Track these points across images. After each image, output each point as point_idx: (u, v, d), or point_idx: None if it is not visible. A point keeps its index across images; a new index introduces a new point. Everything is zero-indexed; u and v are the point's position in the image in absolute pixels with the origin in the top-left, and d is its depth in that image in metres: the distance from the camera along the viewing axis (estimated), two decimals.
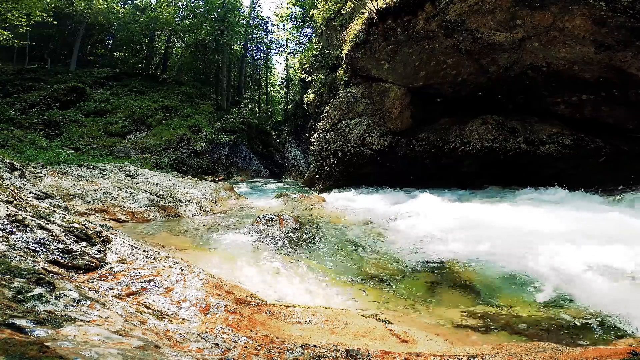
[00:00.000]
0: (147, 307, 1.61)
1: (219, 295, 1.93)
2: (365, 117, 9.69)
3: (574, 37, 5.79)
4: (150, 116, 19.72)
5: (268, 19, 37.76)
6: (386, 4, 7.78)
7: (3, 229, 1.67)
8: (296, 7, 28.30)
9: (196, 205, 6.29)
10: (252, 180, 20.24)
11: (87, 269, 1.79)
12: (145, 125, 19.07)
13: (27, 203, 2.26)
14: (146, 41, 28.07)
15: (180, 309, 1.69)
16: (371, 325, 1.94)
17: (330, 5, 12.05)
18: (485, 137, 7.79)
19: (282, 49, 37.29)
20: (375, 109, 9.61)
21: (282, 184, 17.54)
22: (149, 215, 5.42)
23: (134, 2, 29.68)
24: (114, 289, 1.69)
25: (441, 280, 3.06)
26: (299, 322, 1.84)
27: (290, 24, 32.47)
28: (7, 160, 4.61)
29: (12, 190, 2.40)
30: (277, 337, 1.56)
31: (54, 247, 1.76)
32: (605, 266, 2.83)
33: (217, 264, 3.18)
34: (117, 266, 1.94)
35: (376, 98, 9.67)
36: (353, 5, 9.43)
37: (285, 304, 2.20)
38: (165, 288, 1.84)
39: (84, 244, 1.96)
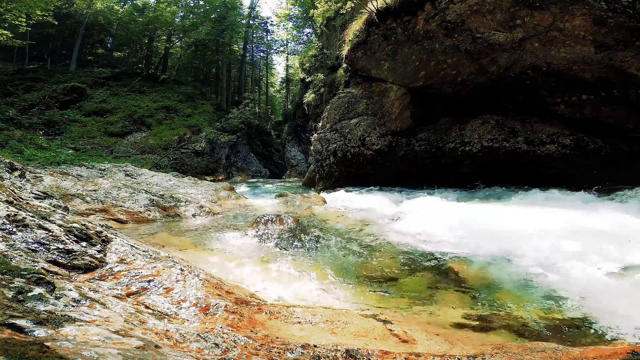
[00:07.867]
0: (147, 307, 1.61)
1: (219, 295, 1.93)
2: (365, 117, 9.68)
3: (574, 37, 5.79)
4: (150, 116, 19.70)
5: (268, 19, 37.80)
6: (386, 4, 7.78)
7: (3, 229, 1.67)
8: (296, 7, 28.28)
9: (196, 205, 6.28)
10: (252, 180, 20.22)
11: (87, 269, 1.79)
12: (145, 125, 19.06)
13: (27, 203, 2.26)
14: (146, 41, 28.05)
15: (180, 309, 1.69)
16: (371, 325, 1.94)
17: (330, 5, 12.04)
18: (485, 137, 7.79)
19: (282, 49, 37.25)
20: (375, 109, 9.61)
21: (282, 184, 17.52)
22: (149, 215, 5.41)
23: (134, 2, 29.66)
24: (114, 289, 1.69)
25: (441, 280, 3.06)
26: (299, 322, 1.84)
27: (290, 24, 32.48)
28: (7, 160, 4.60)
29: (12, 190, 2.40)
30: (277, 337, 1.56)
31: (54, 247, 1.76)
32: (605, 266, 2.83)
33: (217, 264, 3.17)
34: (117, 266, 1.94)
35: (376, 98, 9.67)
36: (353, 5, 9.42)
37: (285, 304, 2.20)
38: (165, 288, 1.84)
39: (84, 244, 1.96)
